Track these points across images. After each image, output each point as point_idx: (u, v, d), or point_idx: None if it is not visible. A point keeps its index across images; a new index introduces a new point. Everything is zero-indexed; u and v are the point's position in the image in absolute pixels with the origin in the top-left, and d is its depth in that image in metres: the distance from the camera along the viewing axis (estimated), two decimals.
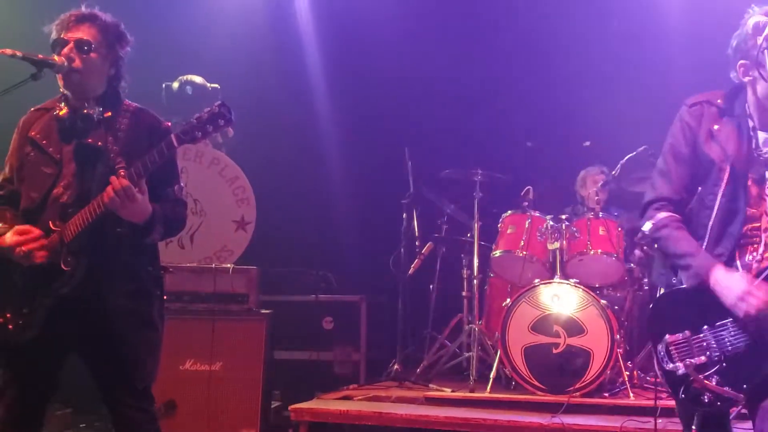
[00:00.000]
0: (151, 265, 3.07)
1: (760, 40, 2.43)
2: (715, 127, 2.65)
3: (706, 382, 2.50)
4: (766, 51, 2.40)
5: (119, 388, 2.94)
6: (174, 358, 5.13)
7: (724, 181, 2.58)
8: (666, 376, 2.61)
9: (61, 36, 2.91)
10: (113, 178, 2.67)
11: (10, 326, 2.86)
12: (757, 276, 2.50)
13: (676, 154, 2.71)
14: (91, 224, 2.79)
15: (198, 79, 6.16)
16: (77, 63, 2.87)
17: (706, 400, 2.51)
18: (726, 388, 2.47)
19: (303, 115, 7.25)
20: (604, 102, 6.24)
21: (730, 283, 2.46)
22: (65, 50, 2.87)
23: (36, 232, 2.82)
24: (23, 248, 2.79)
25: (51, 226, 2.85)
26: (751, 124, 2.63)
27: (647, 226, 2.72)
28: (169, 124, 4.93)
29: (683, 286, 2.60)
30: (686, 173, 2.69)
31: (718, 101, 2.69)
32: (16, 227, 2.84)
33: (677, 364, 2.56)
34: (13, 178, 3.02)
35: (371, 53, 6.95)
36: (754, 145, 2.61)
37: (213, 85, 6.24)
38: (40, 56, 2.85)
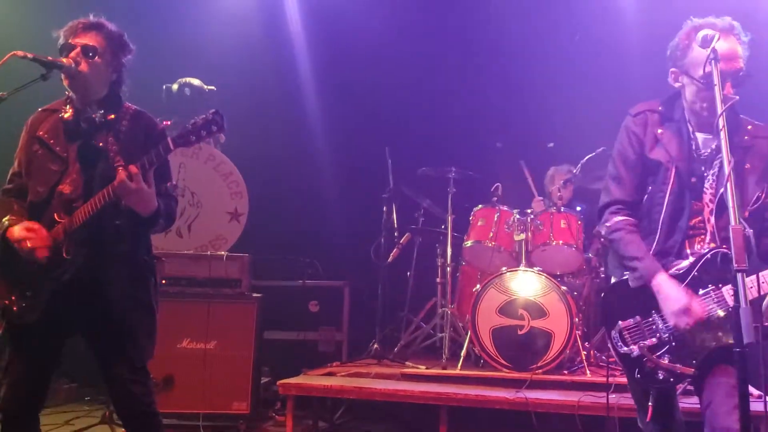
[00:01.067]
0: (146, 254, 3.08)
1: (707, 51, 2.44)
2: (659, 131, 2.69)
3: (659, 361, 2.53)
4: (713, 61, 2.41)
5: (119, 365, 2.92)
6: (172, 337, 5.12)
7: (671, 180, 2.62)
8: (621, 358, 2.63)
9: (69, 41, 2.89)
10: (120, 170, 2.68)
11: (15, 308, 2.86)
12: (697, 262, 2.54)
13: (625, 161, 2.75)
14: (95, 215, 2.79)
15: (196, 82, 6.13)
16: (83, 66, 2.86)
17: (660, 377, 2.55)
18: (677, 365, 2.50)
19: (293, 116, 7.22)
20: (566, 107, 6.26)
21: (669, 295, 2.51)
22: (72, 54, 2.86)
23: (43, 231, 2.81)
24: (29, 243, 2.78)
25: (56, 218, 2.85)
26: (689, 128, 2.67)
27: (604, 229, 2.76)
28: (168, 123, 4.95)
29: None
30: (636, 176, 2.73)
31: (659, 108, 2.73)
32: (26, 223, 2.84)
33: (631, 347, 2.59)
34: (21, 173, 3.01)
35: (357, 60, 6.94)
36: (694, 147, 2.65)
37: (209, 87, 6.21)
38: (50, 58, 2.84)
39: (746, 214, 2.55)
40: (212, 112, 2.72)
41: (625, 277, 2.68)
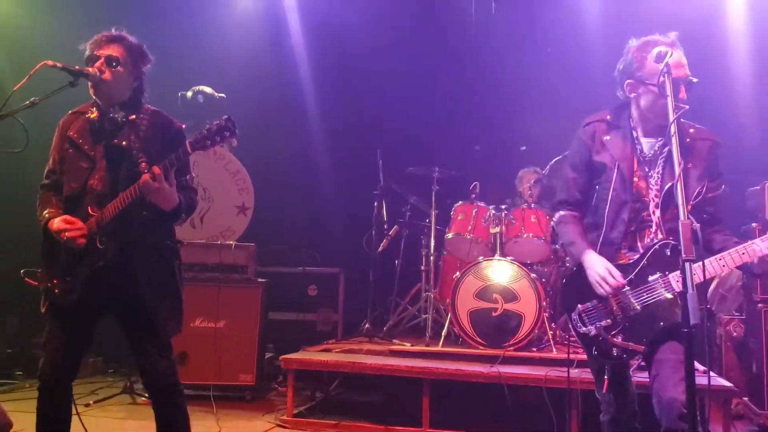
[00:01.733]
0: (169, 240, 3.08)
1: (661, 66, 2.46)
2: (606, 138, 2.72)
3: (613, 339, 2.56)
4: (666, 74, 2.43)
5: (148, 343, 2.94)
6: (186, 317, 4.98)
7: (614, 179, 2.65)
8: (580, 337, 2.66)
9: (94, 52, 2.90)
10: (152, 167, 2.70)
11: (56, 290, 2.88)
12: (646, 252, 2.56)
13: (573, 165, 2.80)
14: (124, 209, 2.80)
15: (208, 89, 6.11)
16: (107, 75, 2.87)
17: (615, 354, 2.58)
18: (630, 343, 2.53)
19: (294, 120, 7.21)
20: (536, 115, 6.28)
21: (591, 265, 2.56)
22: (97, 64, 2.87)
23: (80, 223, 2.82)
24: (67, 234, 2.80)
25: (90, 211, 2.87)
26: (635, 134, 2.69)
27: (553, 222, 2.82)
28: (183, 126, 4.94)
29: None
30: (581, 179, 2.78)
31: (607, 117, 2.77)
32: (65, 216, 2.85)
33: (589, 327, 2.62)
34: (56, 170, 3.02)
35: (352, 72, 6.94)
36: (639, 150, 2.68)
37: (220, 94, 6.20)
38: (76, 67, 2.85)
39: (689, 207, 2.57)
40: (225, 119, 2.70)
41: None
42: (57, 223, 2.82)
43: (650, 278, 2.55)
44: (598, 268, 2.54)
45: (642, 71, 2.63)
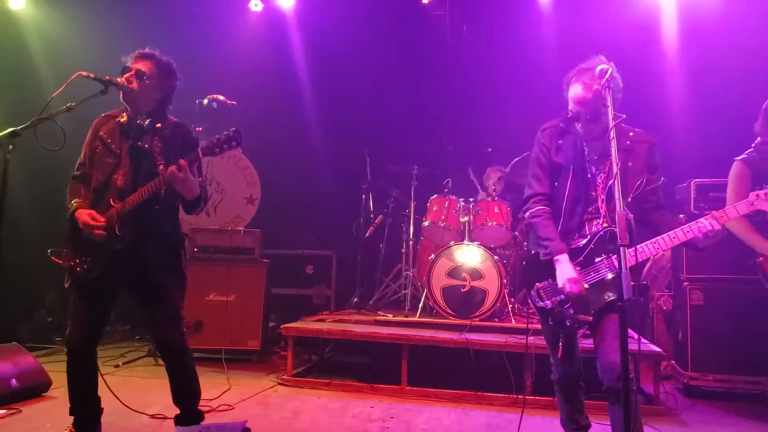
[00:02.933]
0: (177, 230, 3.10)
1: (602, 81, 2.48)
2: (560, 141, 2.73)
3: (566, 311, 2.58)
4: (607, 89, 2.45)
5: (158, 314, 2.95)
6: (201, 292, 5.13)
7: (569, 177, 2.67)
8: (538, 310, 2.68)
9: (128, 65, 2.92)
10: (179, 160, 2.73)
11: (78, 269, 2.89)
12: (592, 238, 2.59)
13: (540, 164, 2.79)
14: (142, 203, 2.81)
15: (221, 97, 6.08)
16: (134, 85, 2.88)
17: (567, 324, 2.60)
18: (579, 315, 2.55)
19: (296, 124, 7.17)
20: (501, 120, 6.27)
21: (564, 270, 2.57)
22: (127, 75, 2.88)
23: (102, 220, 2.83)
24: (91, 229, 2.81)
25: (111, 202, 2.88)
26: (582, 138, 2.72)
27: (527, 214, 2.81)
28: (200, 129, 4.95)
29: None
30: (548, 176, 2.77)
31: (560, 124, 2.77)
32: (92, 212, 2.86)
33: (546, 301, 2.63)
34: (86, 163, 3.01)
35: (345, 82, 6.87)
36: (586, 152, 2.70)
37: (231, 102, 6.17)
38: (107, 78, 2.83)
39: (629, 199, 2.60)
40: (233, 130, 2.76)
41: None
42: (83, 215, 2.83)
43: (596, 260, 2.58)
44: (569, 273, 2.55)
45: (568, 97, 2.69)
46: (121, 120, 2.95)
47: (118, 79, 2.86)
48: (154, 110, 2.97)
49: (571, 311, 2.57)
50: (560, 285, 2.56)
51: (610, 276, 2.51)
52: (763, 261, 3.31)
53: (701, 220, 2.46)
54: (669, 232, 2.49)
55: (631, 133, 2.68)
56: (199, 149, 2.77)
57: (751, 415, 3.91)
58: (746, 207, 2.48)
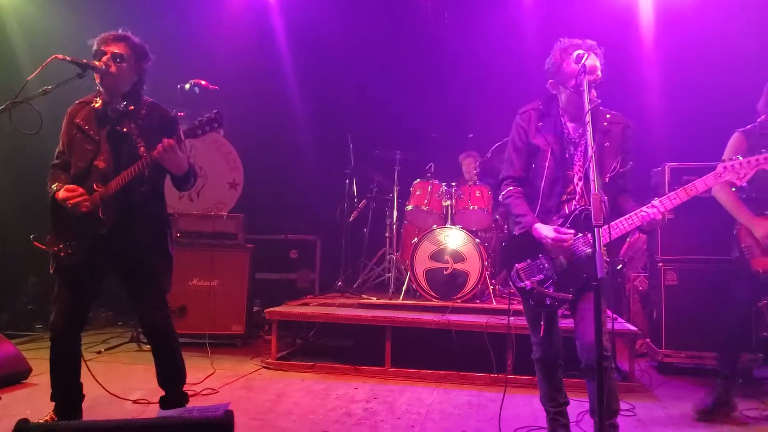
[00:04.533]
0: (163, 211, 3.07)
1: (578, 65, 2.48)
2: (540, 123, 2.72)
3: (546, 291, 2.58)
4: (583, 74, 2.44)
5: (145, 297, 2.92)
6: (185, 277, 5.10)
7: (548, 158, 2.66)
8: (519, 291, 2.67)
9: (102, 48, 2.84)
10: (164, 140, 2.69)
11: (62, 253, 2.84)
12: (568, 217, 2.60)
13: (515, 147, 2.79)
14: (126, 185, 2.77)
15: (203, 82, 5.98)
16: (113, 69, 2.82)
17: (548, 303, 2.60)
18: (560, 293, 2.56)
19: (279, 109, 7.08)
20: (482, 107, 6.27)
21: (544, 232, 2.57)
22: (104, 59, 2.81)
23: (80, 190, 2.78)
24: (72, 201, 2.76)
25: (94, 186, 2.82)
26: (563, 120, 2.71)
27: (501, 196, 2.82)
28: (182, 114, 4.89)
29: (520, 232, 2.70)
30: (523, 158, 2.76)
31: (540, 107, 2.76)
32: (67, 185, 2.81)
33: (525, 282, 2.62)
34: (65, 151, 2.96)
35: (329, 68, 6.83)
36: (566, 133, 2.69)
37: (213, 86, 6.08)
38: (84, 60, 2.77)
39: (606, 179, 2.61)
40: (214, 112, 2.73)
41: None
42: (62, 192, 2.79)
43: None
44: (549, 234, 2.54)
45: (560, 75, 2.64)
46: (96, 106, 2.89)
47: (95, 62, 2.80)
48: (129, 92, 2.92)
49: (551, 290, 2.57)
50: (550, 248, 2.55)
51: (588, 252, 2.51)
52: (740, 231, 3.35)
53: (644, 208, 2.48)
54: (620, 219, 2.51)
55: (608, 115, 2.68)
56: (181, 131, 2.73)
57: None
58: (714, 179, 2.51)
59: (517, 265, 2.67)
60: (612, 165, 2.62)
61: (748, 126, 3.50)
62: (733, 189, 3.41)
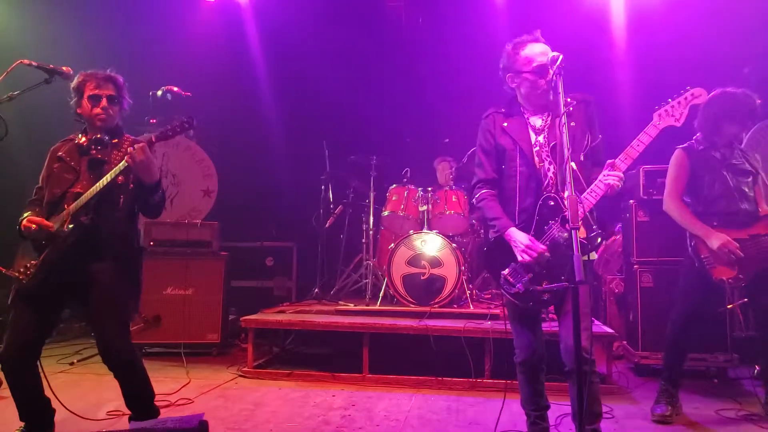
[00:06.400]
0: (136, 243, 2.99)
1: (554, 68, 2.49)
2: (505, 124, 2.73)
3: (540, 287, 2.56)
4: (559, 76, 2.44)
5: (106, 321, 2.79)
6: (159, 286, 5.00)
7: (518, 158, 2.66)
8: (514, 296, 2.61)
9: (97, 92, 2.87)
10: (136, 145, 2.70)
11: (22, 276, 2.76)
12: (536, 206, 2.60)
13: (484, 151, 2.79)
14: (94, 199, 2.72)
15: (175, 89, 5.93)
16: (111, 111, 2.89)
17: (546, 298, 2.58)
18: (554, 285, 2.53)
19: (253, 115, 7.03)
20: (457, 113, 6.28)
21: (517, 239, 2.57)
22: (103, 103, 2.86)
23: (41, 218, 2.78)
24: (33, 226, 2.74)
25: (65, 207, 2.77)
26: (526, 116, 2.72)
27: (474, 200, 2.81)
28: (154, 120, 4.85)
29: (496, 237, 2.70)
30: (492, 161, 2.76)
31: (502, 109, 2.78)
32: (32, 217, 2.79)
33: (517, 285, 2.59)
34: (43, 186, 2.93)
35: (302, 74, 6.81)
36: (530, 126, 2.71)
37: (186, 93, 6.01)
38: (51, 66, 2.72)
39: (581, 157, 2.61)
40: (187, 117, 2.75)
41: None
42: (25, 221, 2.77)
43: (545, 228, 2.56)
44: (523, 241, 2.54)
45: (517, 64, 2.66)
46: (81, 141, 2.91)
47: (63, 68, 2.82)
48: (114, 127, 2.95)
49: (545, 284, 2.54)
50: (519, 255, 2.55)
51: (565, 235, 2.49)
52: (697, 244, 3.41)
53: (602, 177, 2.48)
54: (586, 191, 2.50)
55: (568, 99, 2.67)
56: (153, 135, 2.70)
57: (696, 390, 4.04)
58: (654, 129, 2.52)
59: (503, 272, 2.63)
60: (583, 143, 2.63)
61: (686, 143, 3.59)
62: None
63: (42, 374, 2.84)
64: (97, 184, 2.72)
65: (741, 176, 3.44)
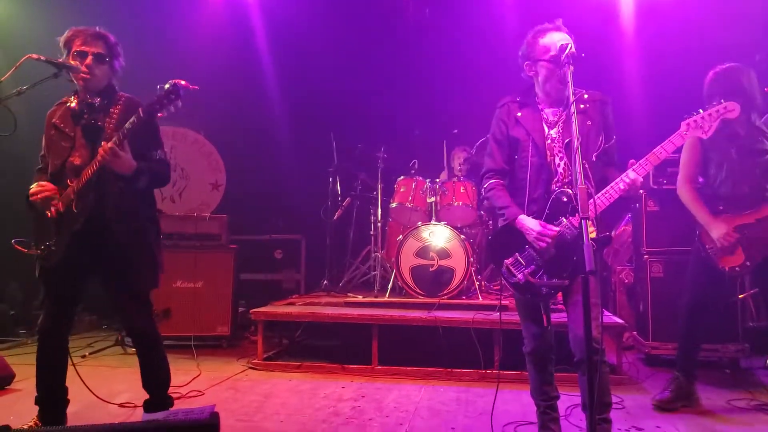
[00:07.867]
0: (148, 209, 2.98)
1: (551, 41, 2.52)
2: (519, 114, 2.71)
3: (540, 280, 2.55)
4: (568, 65, 2.42)
5: (126, 298, 2.85)
6: (168, 279, 5.04)
7: (530, 149, 2.65)
8: (513, 286, 2.62)
9: (83, 48, 2.79)
10: (103, 144, 2.64)
11: (43, 255, 2.81)
12: (548, 201, 2.59)
13: (496, 141, 2.77)
14: (94, 177, 2.71)
15: (182, 82, 5.90)
16: (97, 71, 2.81)
17: (544, 292, 2.57)
18: (554, 280, 2.53)
19: (261, 108, 7.03)
20: (466, 103, 6.28)
21: (528, 226, 2.56)
22: (88, 60, 2.78)
23: (50, 185, 2.77)
24: (40, 195, 2.75)
25: (68, 182, 2.78)
26: (540, 107, 2.71)
27: (483, 190, 2.80)
28: (161, 114, 4.82)
29: (504, 225, 2.69)
30: (504, 151, 2.75)
31: (517, 99, 2.76)
32: (38, 182, 2.80)
33: (517, 276, 2.59)
34: (46, 154, 2.94)
35: (311, 66, 6.79)
36: (545, 117, 2.69)
37: (193, 86, 6.01)
38: (60, 60, 2.72)
39: (594, 158, 2.59)
40: (171, 84, 2.59)
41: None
42: (32, 189, 2.77)
43: (554, 222, 2.55)
44: (534, 227, 2.53)
45: (535, 52, 2.64)
46: (72, 104, 2.85)
47: (71, 62, 2.75)
48: (104, 89, 2.88)
49: (545, 278, 2.54)
50: (533, 243, 2.53)
51: (574, 231, 2.48)
52: (701, 233, 3.38)
53: (622, 179, 2.46)
54: (602, 191, 2.49)
55: (585, 96, 2.66)
56: (140, 110, 2.61)
57: (709, 381, 4.01)
58: (679, 138, 2.48)
59: (505, 261, 2.63)
60: (597, 143, 2.60)
61: None
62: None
63: (69, 359, 2.94)
64: (93, 164, 2.69)
65: (755, 156, 3.27)
